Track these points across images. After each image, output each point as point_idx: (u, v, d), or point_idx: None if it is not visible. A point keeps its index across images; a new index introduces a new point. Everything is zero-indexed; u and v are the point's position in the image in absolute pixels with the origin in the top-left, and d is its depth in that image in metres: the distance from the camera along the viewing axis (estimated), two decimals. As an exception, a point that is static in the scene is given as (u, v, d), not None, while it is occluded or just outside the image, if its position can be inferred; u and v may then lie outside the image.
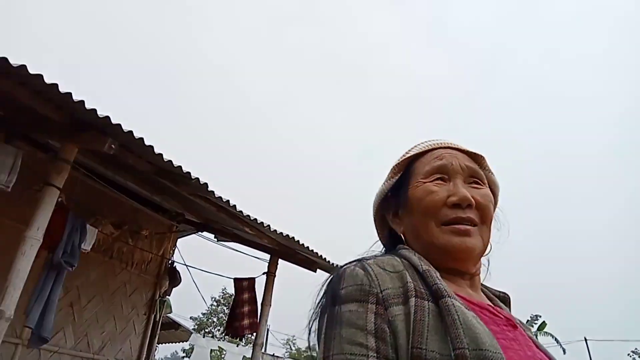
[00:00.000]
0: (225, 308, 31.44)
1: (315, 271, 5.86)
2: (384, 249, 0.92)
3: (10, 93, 3.21)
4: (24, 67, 2.78)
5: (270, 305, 5.57)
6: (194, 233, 7.07)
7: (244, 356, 9.31)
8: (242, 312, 5.61)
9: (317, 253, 5.38)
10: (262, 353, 5.26)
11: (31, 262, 3.29)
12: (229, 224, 5.67)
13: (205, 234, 6.93)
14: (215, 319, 31.05)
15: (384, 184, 0.92)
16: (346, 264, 0.76)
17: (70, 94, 2.99)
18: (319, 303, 0.76)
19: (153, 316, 6.15)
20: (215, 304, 31.15)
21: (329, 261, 5.61)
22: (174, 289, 6.57)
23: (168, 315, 7.16)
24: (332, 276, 0.77)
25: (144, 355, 6.04)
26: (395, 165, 0.91)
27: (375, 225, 0.95)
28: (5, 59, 2.71)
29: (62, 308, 4.84)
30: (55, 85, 2.92)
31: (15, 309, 3.21)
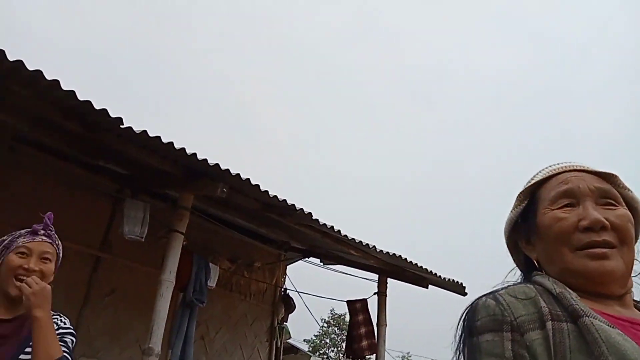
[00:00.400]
0: (336, 329, 31.77)
1: (426, 287, 5.74)
2: (521, 275, 0.92)
3: (134, 156, 3.65)
4: (144, 132, 3.15)
5: (386, 325, 5.54)
6: (301, 259, 7.31)
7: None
8: (359, 334, 5.65)
9: (426, 269, 5.27)
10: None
11: (168, 303, 3.64)
12: (334, 248, 5.78)
13: (311, 259, 7.14)
14: (327, 340, 31.47)
15: (511, 211, 0.91)
16: (478, 297, 0.79)
17: (184, 149, 3.32)
18: (459, 337, 0.78)
19: (274, 342, 6.42)
20: (325, 325, 31.60)
21: (440, 276, 5.46)
22: (289, 315, 6.82)
23: (287, 340, 7.42)
24: (466, 310, 0.79)
25: (271, 381, 6.30)
26: (521, 192, 0.90)
27: (510, 252, 0.95)
28: (130, 128, 3.09)
29: (195, 341, 5.26)
30: (171, 144, 3.27)
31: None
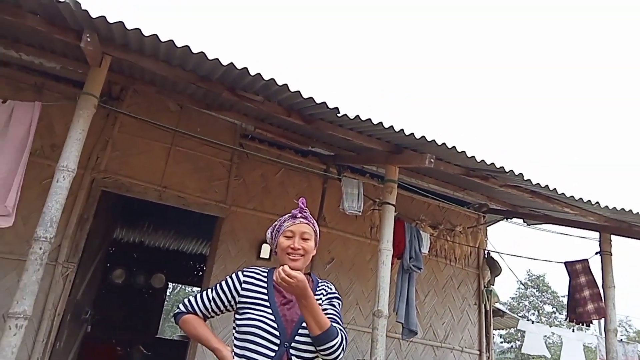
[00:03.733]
0: (534, 290, 29.71)
1: (666, 243, 4.98)
2: None
3: (342, 137, 4.03)
4: (357, 116, 3.46)
5: (614, 287, 5.02)
6: (501, 220, 7.04)
7: (584, 343, 8.60)
8: (583, 297, 5.25)
9: (664, 223, 4.57)
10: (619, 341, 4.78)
11: (389, 269, 3.98)
12: (542, 207, 5.43)
13: (513, 219, 6.83)
14: (526, 303, 29.69)
15: None
16: None
17: (392, 127, 3.54)
18: None
19: (483, 305, 6.41)
20: (523, 287, 29.80)
21: (684, 230, 4.67)
22: (495, 278, 6.69)
23: (495, 303, 7.32)
24: None
25: (484, 343, 6.34)
26: None
27: None
28: (345, 115, 3.43)
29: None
30: (381, 123, 3.52)
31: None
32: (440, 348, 6.01)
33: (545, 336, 9.64)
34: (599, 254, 5.25)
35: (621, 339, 7.72)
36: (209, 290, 1.84)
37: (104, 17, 2.78)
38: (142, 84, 4.43)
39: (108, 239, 6.27)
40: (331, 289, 1.89)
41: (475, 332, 6.34)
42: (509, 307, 28.97)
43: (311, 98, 3.30)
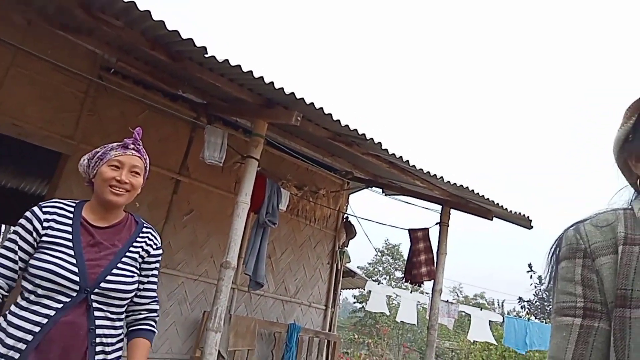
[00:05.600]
0: (389, 258, 32.74)
1: (491, 219, 5.78)
2: (634, 194, 0.89)
3: (212, 84, 3.83)
4: (226, 60, 3.29)
5: (446, 254, 5.71)
6: (364, 189, 7.49)
7: (417, 301, 9.74)
8: (419, 261, 5.88)
9: (492, 201, 5.27)
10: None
11: (244, 223, 3.97)
12: (398, 178, 5.88)
13: (373, 189, 7.31)
14: (381, 268, 32.60)
15: (619, 129, 0.88)
16: (565, 229, 0.87)
17: (262, 77, 3.44)
18: (548, 265, 0.88)
19: (335, 265, 6.83)
20: (379, 254, 32.57)
21: (506, 208, 5.45)
22: (350, 241, 7.15)
23: (346, 264, 7.84)
24: (555, 240, 0.88)
25: (331, 299, 6.79)
26: (629, 108, 0.87)
27: (622, 172, 0.92)
28: (213, 57, 3.24)
29: (265, 259, 5.72)
30: (250, 72, 3.39)
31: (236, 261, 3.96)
32: (290, 302, 6.28)
33: (387, 296, 10.71)
34: (438, 225, 5.90)
35: (447, 300, 8.92)
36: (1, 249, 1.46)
37: None
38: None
39: None
40: (157, 245, 1.67)
41: (325, 289, 6.74)
42: (365, 272, 31.58)
43: (176, 31, 3.03)
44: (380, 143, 4.23)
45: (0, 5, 3.89)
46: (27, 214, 1.50)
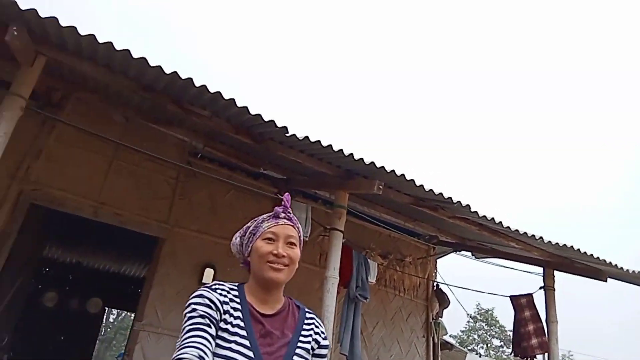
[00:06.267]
0: (483, 324, 30.18)
1: (605, 280, 5.11)
2: None
3: (293, 160, 3.91)
4: (306, 137, 3.35)
5: (557, 322, 5.07)
6: (451, 253, 7.08)
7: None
8: (527, 332, 5.27)
9: (604, 260, 4.68)
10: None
11: (335, 298, 3.82)
12: (489, 240, 5.48)
13: (462, 252, 6.87)
14: (475, 336, 30.04)
15: None
16: None
17: (341, 150, 3.45)
18: None
19: (431, 338, 6.33)
20: (472, 320, 30.20)
21: (621, 267, 4.81)
22: (444, 310, 6.66)
23: (443, 336, 7.26)
24: None
25: (430, 377, 6.22)
26: None
27: None
28: (294, 136, 3.32)
29: (355, 335, 5.44)
30: (330, 147, 3.42)
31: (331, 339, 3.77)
32: (387, 382, 5.84)
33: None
34: (542, 289, 5.32)
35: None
36: (196, 330, 1.24)
37: (34, 10, 2.57)
38: (85, 91, 4.19)
39: (36, 258, 5.78)
40: (323, 331, 1.50)
41: (423, 365, 6.23)
42: (458, 341, 29.19)
43: (259, 115, 3.17)
44: (468, 206, 3.99)
45: (104, 107, 4.37)
46: (206, 294, 1.28)
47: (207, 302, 1.26)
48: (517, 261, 5.93)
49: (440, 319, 6.54)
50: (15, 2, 2.55)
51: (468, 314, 29.34)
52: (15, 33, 2.66)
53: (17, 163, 4.20)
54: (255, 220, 1.45)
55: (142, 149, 4.49)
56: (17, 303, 5.18)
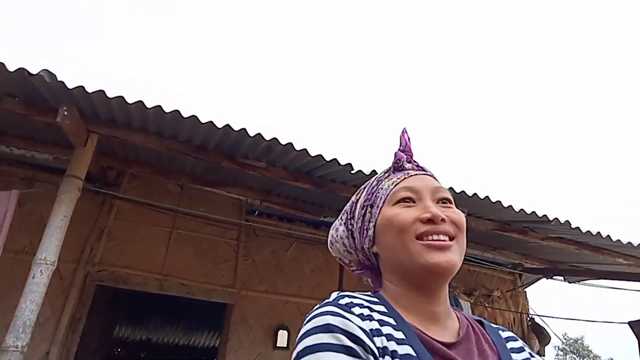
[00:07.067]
0: (575, 356, 27.40)
1: None
2: None
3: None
4: (374, 172, 3.06)
5: (693, 347, 4.28)
6: (539, 280, 6.38)
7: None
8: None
9: None
10: None
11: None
12: (588, 260, 4.84)
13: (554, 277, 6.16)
14: (566, 371, 27.26)
15: None
16: None
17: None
18: None
19: (537, 381, 5.56)
20: (561, 353, 27.58)
21: None
22: (545, 347, 5.89)
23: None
24: None
25: None
26: None
27: None
28: (360, 171, 3.04)
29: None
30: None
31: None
32: None
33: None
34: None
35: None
36: None
37: (82, 87, 2.51)
38: (138, 165, 4.16)
39: (107, 339, 5.65)
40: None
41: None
42: (551, 377, 26.61)
43: (320, 156, 2.93)
44: (568, 222, 3.49)
45: (157, 179, 4.31)
46: (338, 324, 0.64)
47: (347, 342, 0.61)
48: (622, 279, 5.21)
49: (543, 358, 5.77)
50: (63, 82, 2.50)
51: (555, 347, 26.87)
52: (66, 113, 2.61)
53: (80, 246, 4.17)
54: (365, 187, 0.86)
55: (200, 214, 4.37)
56: (94, 390, 5.00)
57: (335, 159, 2.97)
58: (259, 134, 2.83)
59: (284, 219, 5.02)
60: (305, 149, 2.91)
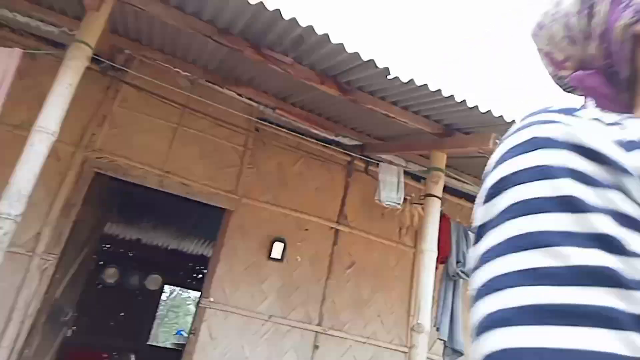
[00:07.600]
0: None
1: None
2: None
3: (382, 115, 3.37)
4: (411, 80, 2.80)
5: None
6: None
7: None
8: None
9: None
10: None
11: (433, 275, 3.30)
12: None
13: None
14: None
15: None
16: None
17: (452, 96, 2.88)
18: None
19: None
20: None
21: None
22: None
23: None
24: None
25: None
26: None
27: None
28: (397, 78, 2.78)
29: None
30: (439, 91, 2.86)
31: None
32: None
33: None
34: None
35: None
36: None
37: None
38: (150, 50, 3.83)
39: (99, 231, 5.58)
40: None
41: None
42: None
43: (356, 53, 2.65)
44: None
45: (169, 70, 4.01)
46: (547, 191, 0.27)
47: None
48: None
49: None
50: None
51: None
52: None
53: (81, 129, 3.95)
54: None
55: (209, 114, 4.13)
56: (80, 278, 4.99)
57: (372, 60, 2.69)
58: (294, 18, 2.52)
59: (294, 132, 4.80)
60: (342, 44, 2.62)
